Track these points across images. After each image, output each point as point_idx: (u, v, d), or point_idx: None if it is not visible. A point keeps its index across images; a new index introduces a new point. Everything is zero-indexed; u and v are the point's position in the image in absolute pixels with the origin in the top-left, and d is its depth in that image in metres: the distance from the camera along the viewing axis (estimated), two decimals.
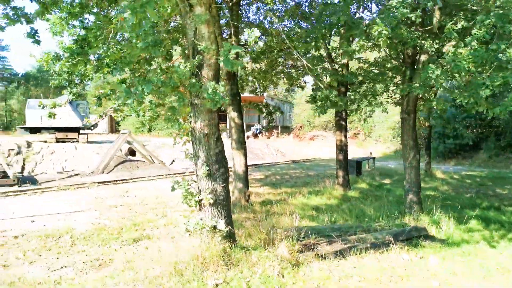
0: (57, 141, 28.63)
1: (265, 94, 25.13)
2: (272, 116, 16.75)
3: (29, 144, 27.61)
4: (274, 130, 45.21)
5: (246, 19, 14.06)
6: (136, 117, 11.76)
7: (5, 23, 7.56)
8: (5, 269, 5.53)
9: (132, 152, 23.99)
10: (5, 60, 58.61)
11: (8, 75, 56.24)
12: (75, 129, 30.02)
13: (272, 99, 43.90)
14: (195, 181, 5.80)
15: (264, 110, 16.24)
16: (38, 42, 7.83)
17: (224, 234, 5.41)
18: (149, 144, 24.78)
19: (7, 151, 25.47)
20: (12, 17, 7.43)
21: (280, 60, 14.50)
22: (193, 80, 4.92)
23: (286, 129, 51.22)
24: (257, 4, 13.87)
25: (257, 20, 14.15)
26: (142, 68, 9.22)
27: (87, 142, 28.66)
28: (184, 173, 17.44)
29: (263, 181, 15.83)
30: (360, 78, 11.01)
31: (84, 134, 29.86)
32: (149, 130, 43.55)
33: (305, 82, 16.85)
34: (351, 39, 10.05)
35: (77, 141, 28.91)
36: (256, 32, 4.68)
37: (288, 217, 8.24)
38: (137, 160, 19.32)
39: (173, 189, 5.57)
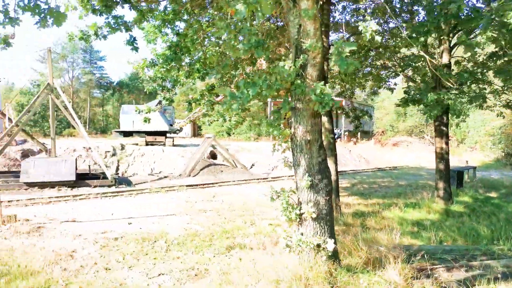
0: (147, 144, 30.71)
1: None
2: (359, 121, 15.76)
3: (122, 147, 29.96)
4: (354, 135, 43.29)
5: (331, 19, 13.44)
6: (222, 121, 11.78)
7: (107, 31, 7.97)
8: (107, 272, 5.63)
9: (213, 156, 24.63)
10: (103, 69, 65.05)
11: (105, 83, 62.36)
12: (163, 133, 31.91)
13: (351, 102, 42.15)
14: (294, 192, 5.34)
15: (350, 114, 15.34)
16: (136, 49, 8.12)
17: (330, 254, 4.84)
18: (229, 148, 25.20)
19: (104, 153, 27.95)
20: (113, 26, 7.79)
21: (367, 62, 13.58)
22: (298, 81, 4.46)
23: (366, 134, 48.75)
24: (343, 3, 13.18)
25: (343, 20, 13.46)
26: (229, 73, 9.11)
27: (173, 145, 30.24)
28: (266, 178, 17.23)
29: (350, 190, 14.89)
30: (476, 76, 9.59)
31: (170, 137, 31.58)
32: (229, 134, 44.74)
33: (395, 84, 15.59)
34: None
35: (164, 144, 30.68)
36: (373, 25, 4.07)
37: (387, 233, 7.41)
38: (221, 164, 19.65)
39: (272, 199, 5.17)
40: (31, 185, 13.25)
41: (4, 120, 34.29)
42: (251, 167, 22.43)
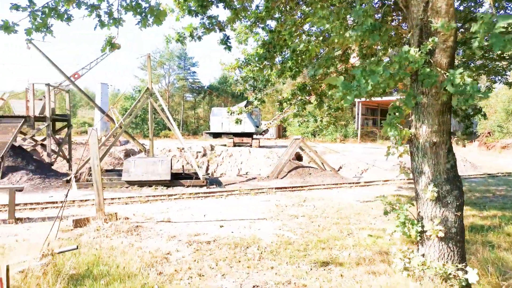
0: (234, 145, 31.38)
1: None
2: (470, 120, 13.73)
3: (212, 147, 31.03)
4: (452, 137, 38.87)
5: None
6: (313, 122, 11.07)
7: (202, 32, 7.90)
8: (201, 280, 5.38)
9: (298, 157, 24.04)
10: (195, 75, 68.96)
11: (197, 88, 65.96)
12: (249, 134, 32.30)
13: None
14: (412, 204, 4.47)
15: (459, 112, 13.42)
16: (229, 48, 7.91)
17: (464, 284, 3.88)
18: (316, 150, 24.34)
19: (195, 153, 29.28)
20: (208, 26, 7.69)
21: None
22: (426, 69, 3.62)
23: (468, 136, 43.43)
24: None
25: None
26: (331, 65, 8.38)
27: (259, 146, 30.40)
28: (359, 182, 16.05)
29: None
30: None
31: (256, 139, 31.85)
32: (314, 136, 43.76)
33: None
34: None
35: (251, 145, 31.01)
36: None
37: None
38: (308, 167, 18.97)
39: (385, 212, 4.38)
40: (131, 183, 14.14)
41: (111, 123, 38.02)
42: (339, 170, 21.31)
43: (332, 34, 4.51)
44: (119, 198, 11.38)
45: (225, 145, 31.41)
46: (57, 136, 19.17)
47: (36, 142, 17.63)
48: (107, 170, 16.05)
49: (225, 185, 15.61)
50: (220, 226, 8.53)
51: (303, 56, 7.42)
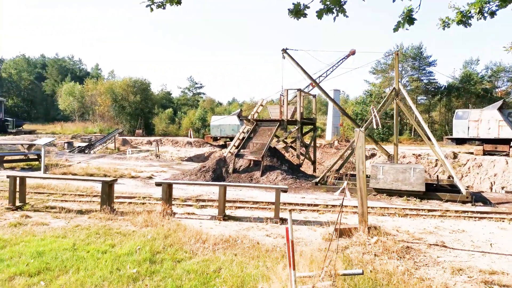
0: (484, 153, 25.79)
1: None
2: None
3: (455, 155, 26.40)
4: None
5: None
6: None
7: (496, 5, 5.81)
8: None
9: None
10: (431, 75, 62.34)
11: (432, 89, 59.26)
12: (507, 141, 25.78)
13: None
14: None
15: None
16: None
17: None
18: None
19: (434, 162, 25.57)
20: None
21: None
22: None
23: None
24: None
25: None
26: None
27: None
28: None
29: None
30: None
31: None
32: None
33: None
34: None
35: (508, 154, 24.65)
36: None
37: None
38: None
39: None
40: (379, 191, 13.01)
41: (340, 128, 38.39)
42: None
43: None
44: (372, 208, 10.40)
45: (471, 153, 26.23)
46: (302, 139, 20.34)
47: (286, 144, 19.20)
48: (352, 175, 15.55)
49: (496, 203, 12.28)
50: None
51: None
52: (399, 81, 16.95)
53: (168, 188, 8.53)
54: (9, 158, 15.75)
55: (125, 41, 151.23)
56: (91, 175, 14.19)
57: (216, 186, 9.47)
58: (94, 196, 10.32)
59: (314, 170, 18.73)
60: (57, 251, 5.72)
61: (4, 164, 15.00)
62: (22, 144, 17.78)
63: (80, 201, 9.63)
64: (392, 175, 12.81)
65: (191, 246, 6.34)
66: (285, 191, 8.47)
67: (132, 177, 14.81)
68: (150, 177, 15.15)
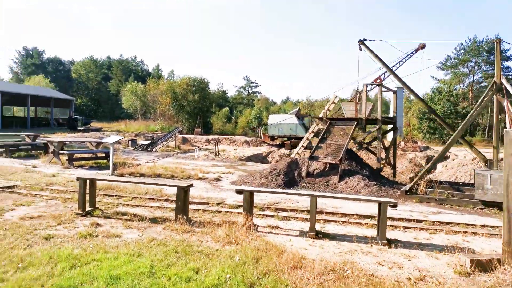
0: None
1: None
2: None
3: None
4: None
5: None
6: None
7: None
8: None
9: None
10: (509, 70, 56.37)
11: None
12: None
13: None
14: None
15: None
16: None
17: None
18: None
19: None
20: None
21: None
22: None
23: None
24: None
25: None
26: None
27: None
28: None
29: None
30: None
31: None
32: None
33: None
34: None
35: None
36: None
37: None
38: None
39: None
40: (487, 204, 10.85)
41: (404, 128, 34.86)
42: None
43: None
44: (492, 227, 8.42)
45: None
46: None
47: (361, 145, 17.35)
48: (450, 183, 13.38)
49: None
50: None
51: None
52: (500, 75, 14.41)
53: (250, 197, 7.32)
54: (78, 156, 15.66)
55: (184, 41, 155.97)
56: (159, 175, 13.53)
57: (305, 196, 8.10)
58: (165, 200, 9.44)
59: (394, 175, 16.67)
60: (133, 276, 4.68)
61: (74, 162, 14.86)
62: (90, 142, 17.76)
63: (151, 207, 8.76)
64: (501, 185, 10.56)
65: (290, 276, 5.02)
66: (394, 205, 6.87)
67: (200, 178, 13.94)
68: (218, 179, 14.19)
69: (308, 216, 8.52)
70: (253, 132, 53.59)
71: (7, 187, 9.83)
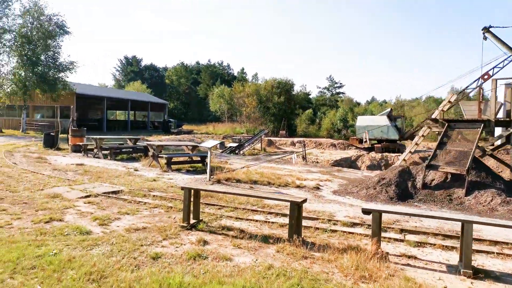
0: None
1: None
2: None
3: None
4: None
5: None
6: None
7: None
8: None
9: None
10: None
11: None
12: None
13: None
14: None
15: None
16: None
17: None
18: None
19: None
20: None
21: None
22: None
23: None
24: None
25: None
26: None
27: None
28: None
29: None
30: None
31: None
32: None
33: None
34: None
35: None
36: None
37: None
38: None
39: None
40: None
41: None
42: None
43: None
44: None
45: None
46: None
47: (485, 151, 14.61)
48: None
49: None
50: None
51: None
52: None
53: (380, 218, 5.99)
54: (176, 159, 15.74)
55: (268, 44, 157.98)
56: (255, 182, 12.80)
57: (456, 221, 6.50)
58: (269, 213, 8.55)
59: None
60: None
61: (172, 166, 14.93)
62: (187, 146, 17.88)
63: (256, 221, 7.91)
64: None
65: None
66: None
67: (298, 186, 12.88)
68: (317, 187, 12.97)
69: (448, 243, 6.91)
70: (338, 135, 51.23)
71: (112, 192, 9.86)
